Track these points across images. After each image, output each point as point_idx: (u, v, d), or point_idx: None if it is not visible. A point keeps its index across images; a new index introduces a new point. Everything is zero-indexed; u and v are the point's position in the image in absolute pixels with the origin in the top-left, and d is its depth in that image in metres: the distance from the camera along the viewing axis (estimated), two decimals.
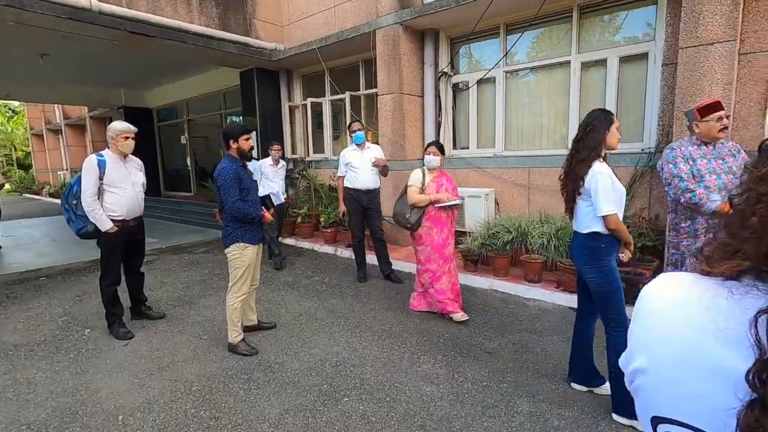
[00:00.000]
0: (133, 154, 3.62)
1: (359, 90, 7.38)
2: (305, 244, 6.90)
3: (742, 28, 3.72)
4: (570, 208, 2.49)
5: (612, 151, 2.52)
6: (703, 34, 3.64)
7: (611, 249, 2.36)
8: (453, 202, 3.72)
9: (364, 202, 4.83)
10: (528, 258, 4.58)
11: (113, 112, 12.67)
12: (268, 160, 5.69)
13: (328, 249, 6.51)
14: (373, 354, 3.25)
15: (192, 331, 3.73)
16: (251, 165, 3.70)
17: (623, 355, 0.61)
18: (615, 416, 2.38)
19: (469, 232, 5.30)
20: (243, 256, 3.20)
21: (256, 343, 3.40)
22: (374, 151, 4.88)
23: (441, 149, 3.85)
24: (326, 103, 7.89)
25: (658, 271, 4.13)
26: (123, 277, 3.79)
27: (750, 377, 0.42)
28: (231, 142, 3.21)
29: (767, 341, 0.42)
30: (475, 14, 5.25)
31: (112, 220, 3.42)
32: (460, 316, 3.73)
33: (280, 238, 5.98)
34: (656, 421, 0.53)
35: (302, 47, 7.18)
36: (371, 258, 5.20)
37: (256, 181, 3.51)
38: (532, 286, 4.42)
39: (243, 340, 3.33)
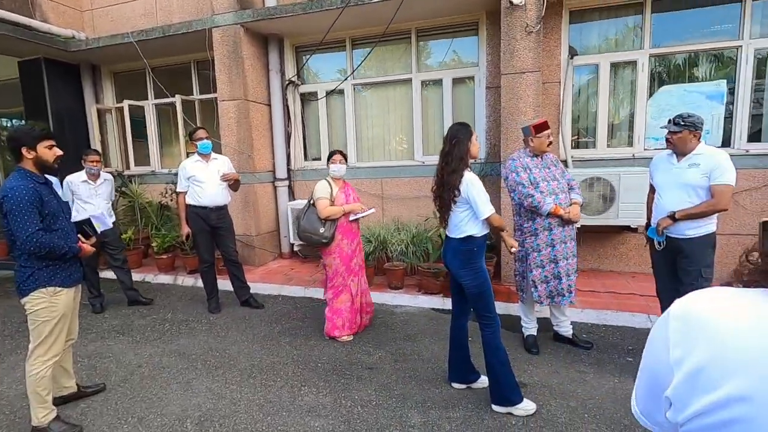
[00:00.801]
0: None
1: (192, 94, 6.53)
2: (133, 276, 5.68)
3: (543, 63, 4.59)
4: (445, 218, 2.60)
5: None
6: (517, 64, 4.36)
7: (482, 251, 2.55)
8: (367, 212, 3.61)
9: (212, 221, 4.22)
10: (391, 266, 4.70)
11: None
12: (81, 175, 4.33)
13: (165, 279, 5.51)
14: (244, 397, 2.80)
15: None
16: (55, 182, 2.79)
17: (665, 400, 0.55)
18: (495, 407, 2.56)
19: None
20: (53, 305, 2.37)
21: (77, 418, 2.57)
22: (222, 163, 4.32)
23: (346, 157, 3.74)
24: (150, 107, 6.74)
25: (497, 266, 4.75)
26: None
27: None
28: (24, 150, 2.34)
29: None
30: (321, 25, 5.20)
31: None
32: (345, 338, 3.58)
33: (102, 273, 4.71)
34: None
35: (114, 39, 5.96)
36: (223, 284, 4.59)
37: (67, 202, 2.67)
38: (396, 292, 4.55)
39: (57, 418, 2.46)
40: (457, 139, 2.53)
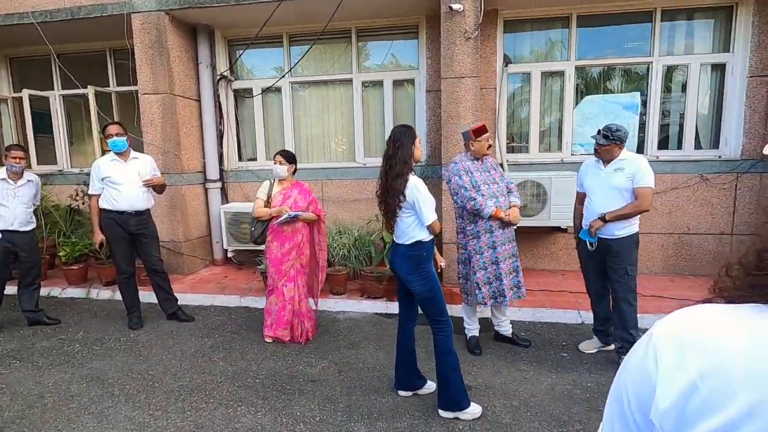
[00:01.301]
0: None
1: (109, 85, 5.89)
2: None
3: (480, 69, 4.71)
4: (391, 224, 2.53)
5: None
6: (457, 69, 4.43)
7: (430, 256, 2.52)
8: (284, 217, 3.36)
9: (131, 228, 3.79)
10: (333, 271, 4.55)
11: None
12: (1, 173, 3.74)
13: (75, 292, 4.88)
14: (172, 423, 2.52)
15: None
16: None
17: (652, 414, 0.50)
18: (441, 412, 2.53)
19: None
20: None
21: None
22: (143, 163, 3.90)
23: (289, 158, 3.52)
24: (57, 98, 5.98)
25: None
26: None
27: None
28: None
29: None
30: (256, 18, 4.92)
31: None
32: (268, 339, 3.56)
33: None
34: None
35: (10, 18, 5.19)
36: (146, 295, 4.16)
37: None
38: (339, 298, 4.41)
39: None
40: (400, 142, 2.47)
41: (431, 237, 2.52)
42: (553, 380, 2.91)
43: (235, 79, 5.72)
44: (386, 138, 2.59)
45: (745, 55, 4.63)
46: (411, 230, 2.44)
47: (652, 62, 4.85)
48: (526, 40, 5.14)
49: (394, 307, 4.13)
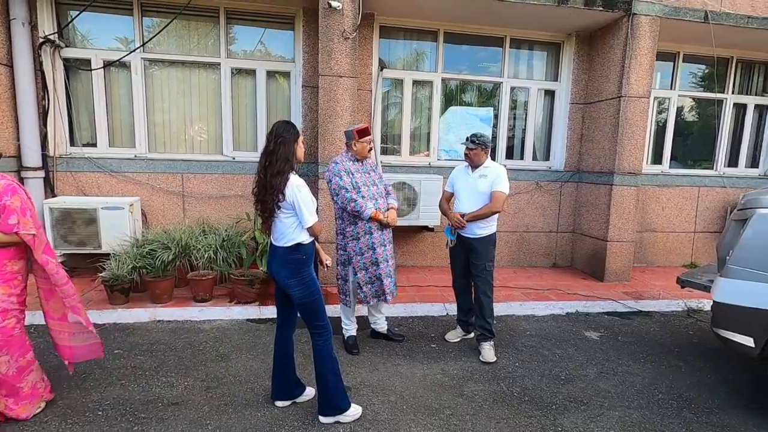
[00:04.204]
0: None
1: None
2: None
3: (358, 69, 4.76)
4: (269, 224, 2.36)
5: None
6: (335, 68, 4.39)
7: (310, 259, 2.42)
8: None
9: None
10: (196, 275, 4.09)
11: None
12: None
13: None
14: None
15: None
16: None
17: None
18: (322, 419, 2.47)
19: (112, 254, 4.14)
20: None
21: None
22: None
23: None
24: None
25: (315, 268, 4.70)
26: None
27: None
28: None
29: None
30: None
31: None
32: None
33: None
34: None
35: None
36: None
37: None
38: (204, 306, 3.98)
39: None
40: (282, 138, 2.32)
41: (312, 239, 2.43)
42: (424, 371, 3.10)
43: (67, 46, 4.69)
44: (266, 133, 2.41)
45: (568, 85, 5.65)
46: (290, 232, 2.32)
47: (502, 82, 5.57)
48: (399, 47, 5.38)
49: (268, 312, 3.92)
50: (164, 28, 4.60)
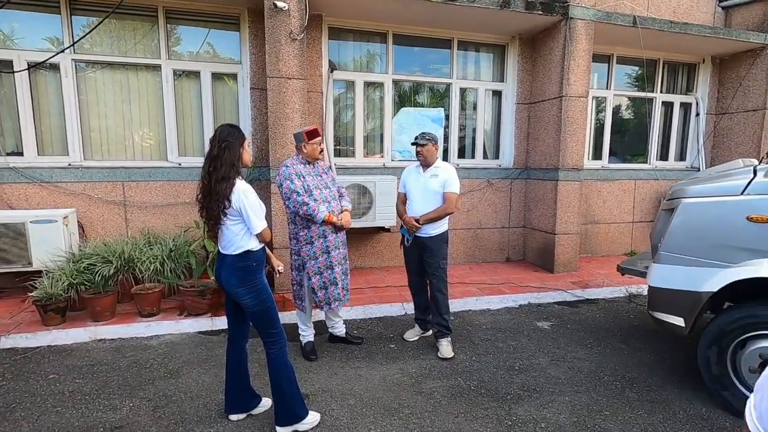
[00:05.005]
0: None
1: None
2: None
3: (307, 71, 4.69)
4: (215, 232, 2.27)
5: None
6: (283, 70, 4.30)
7: (260, 266, 2.35)
8: None
9: None
10: (141, 289, 3.87)
11: None
12: None
13: None
14: None
15: None
16: None
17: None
18: (279, 429, 2.40)
19: (45, 271, 3.82)
20: None
21: None
22: None
23: None
24: None
25: (269, 275, 4.57)
26: None
27: None
28: None
29: None
30: None
31: None
32: None
33: None
34: None
35: None
36: None
37: None
38: (150, 321, 3.77)
39: None
40: (227, 142, 2.24)
41: (261, 245, 2.36)
42: (384, 372, 3.10)
43: None
44: (210, 137, 2.31)
45: (513, 86, 5.87)
46: (238, 239, 2.24)
47: (451, 83, 5.69)
48: (349, 49, 5.36)
49: (221, 323, 3.77)
50: (95, 27, 4.31)
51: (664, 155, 6.89)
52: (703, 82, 6.73)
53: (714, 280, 2.55)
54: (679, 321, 2.75)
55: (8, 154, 4.50)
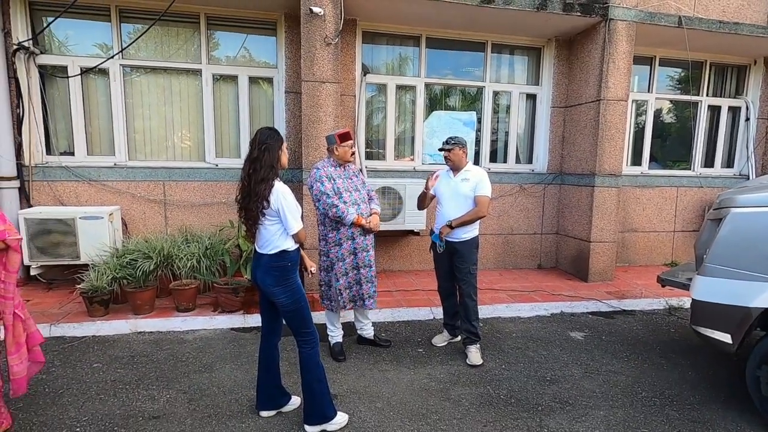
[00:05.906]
0: None
1: None
2: None
3: (341, 75, 4.76)
4: (253, 232, 2.34)
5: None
6: (317, 73, 4.38)
7: (295, 266, 2.40)
8: None
9: None
10: (178, 285, 4.02)
11: None
12: None
13: None
14: None
15: None
16: None
17: None
18: (307, 428, 2.44)
19: (91, 265, 4.04)
20: None
21: None
22: None
23: None
24: None
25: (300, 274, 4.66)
26: None
27: None
28: None
29: None
30: None
31: None
32: None
33: None
34: None
35: None
36: None
37: None
38: (187, 316, 3.91)
39: None
40: (266, 144, 2.30)
41: (296, 246, 2.41)
42: (411, 376, 3.09)
43: (42, 53, 4.59)
44: (249, 139, 2.39)
45: (549, 89, 5.74)
46: (275, 239, 2.30)
47: (484, 86, 5.63)
48: (382, 53, 5.40)
49: (253, 320, 3.87)
50: (142, 34, 4.53)
51: (709, 162, 6.55)
52: (754, 84, 6.37)
53: (766, 295, 2.41)
54: (725, 337, 2.60)
55: (61, 154, 4.79)
